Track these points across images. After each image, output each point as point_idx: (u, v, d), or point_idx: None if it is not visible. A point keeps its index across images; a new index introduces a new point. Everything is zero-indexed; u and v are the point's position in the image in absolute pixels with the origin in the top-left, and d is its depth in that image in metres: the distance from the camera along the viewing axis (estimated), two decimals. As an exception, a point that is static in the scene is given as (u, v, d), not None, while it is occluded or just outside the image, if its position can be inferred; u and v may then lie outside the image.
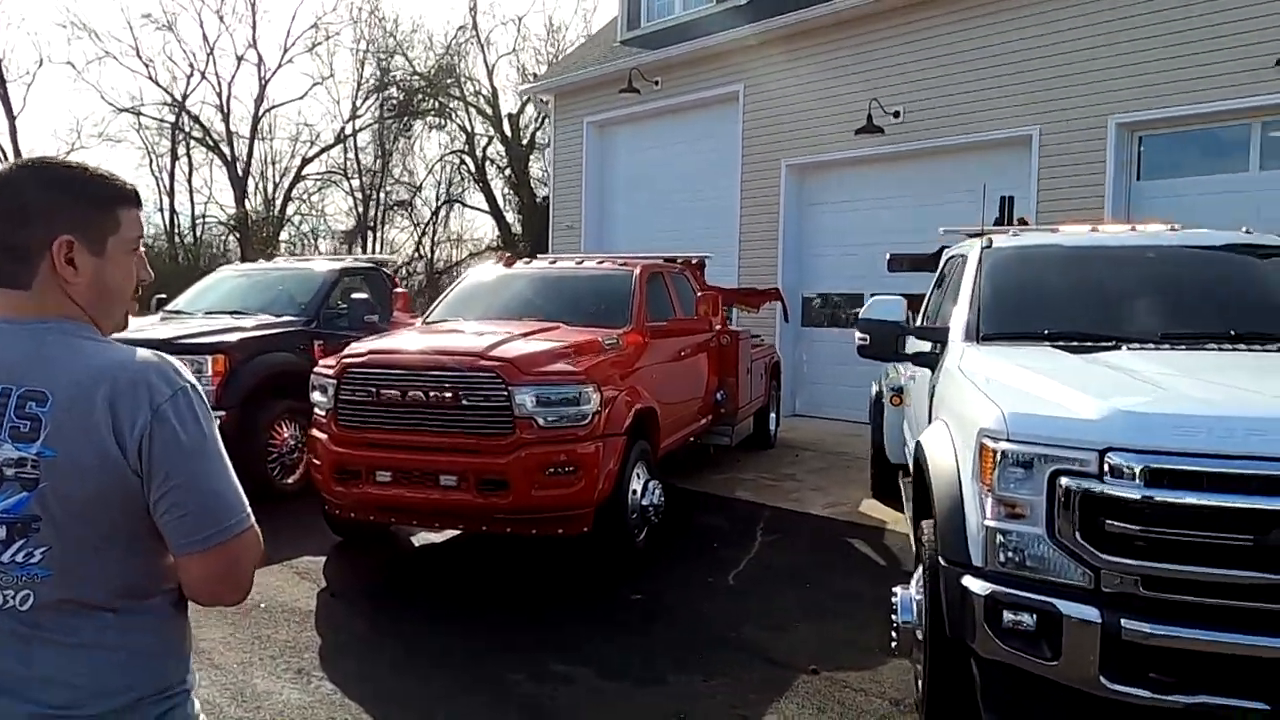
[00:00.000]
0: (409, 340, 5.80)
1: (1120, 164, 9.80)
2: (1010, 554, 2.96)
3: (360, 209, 31.65)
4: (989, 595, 2.93)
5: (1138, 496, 2.73)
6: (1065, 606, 2.80)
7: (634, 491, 5.71)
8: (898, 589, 3.73)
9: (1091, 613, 2.76)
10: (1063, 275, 4.34)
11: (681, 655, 4.33)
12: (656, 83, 14.12)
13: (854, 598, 5.16)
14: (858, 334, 4.55)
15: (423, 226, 32.49)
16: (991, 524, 3.00)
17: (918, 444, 3.75)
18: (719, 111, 13.52)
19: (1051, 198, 10.15)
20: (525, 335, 5.77)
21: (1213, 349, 3.66)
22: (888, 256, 8.70)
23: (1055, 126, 10.13)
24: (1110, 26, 9.62)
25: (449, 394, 5.20)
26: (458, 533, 6.16)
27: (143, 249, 1.53)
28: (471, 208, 32.87)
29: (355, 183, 31.67)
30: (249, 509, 1.44)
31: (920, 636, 3.47)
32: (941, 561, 3.17)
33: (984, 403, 3.21)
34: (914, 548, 4.15)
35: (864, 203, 12.07)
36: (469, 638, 4.56)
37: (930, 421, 4.13)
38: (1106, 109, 9.75)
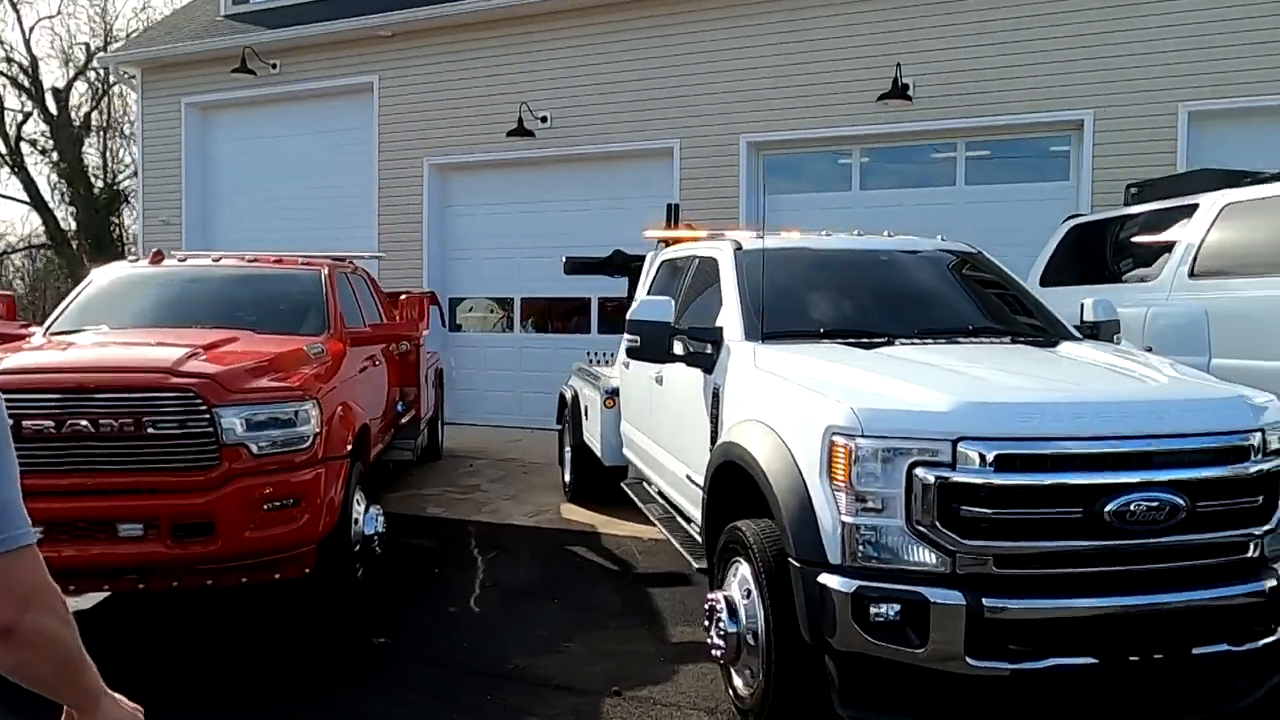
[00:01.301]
0: (55, 356, 4.54)
1: (751, 179, 10.77)
2: (869, 548, 3.00)
3: None
4: (855, 591, 2.94)
5: (989, 481, 2.90)
6: (931, 593, 2.88)
7: (355, 520, 5.03)
8: (715, 595, 3.63)
9: (955, 596, 2.87)
10: (815, 276, 4.58)
11: (465, 700, 3.85)
12: (275, 66, 12.83)
13: (608, 608, 5.01)
14: (627, 336, 4.40)
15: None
16: (849, 520, 3.01)
17: (730, 447, 3.69)
18: (351, 103, 12.63)
19: (692, 208, 10.79)
20: (212, 346, 4.80)
21: (966, 343, 4.07)
22: (564, 260, 8.69)
23: (694, 141, 10.87)
24: (742, 52, 10.54)
25: (129, 421, 4.14)
26: (104, 595, 4.90)
27: None
28: (5, 197, 27.39)
29: None
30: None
31: (754, 641, 3.40)
32: (795, 562, 3.13)
33: (821, 401, 3.22)
34: (708, 553, 4.10)
35: (513, 206, 11.98)
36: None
37: (716, 422, 4.11)
38: (737, 128, 10.66)
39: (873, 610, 2.93)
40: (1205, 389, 3.35)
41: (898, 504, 2.96)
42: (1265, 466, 3.10)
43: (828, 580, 3.01)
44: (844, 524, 3.02)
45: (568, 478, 7.68)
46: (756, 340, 4.04)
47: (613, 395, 6.35)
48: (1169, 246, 6.37)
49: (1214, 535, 3.03)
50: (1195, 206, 6.33)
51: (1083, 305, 4.69)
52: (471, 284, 12.19)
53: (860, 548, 3.01)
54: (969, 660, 2.87)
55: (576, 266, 8.77)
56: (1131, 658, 2.91)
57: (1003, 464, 2.91)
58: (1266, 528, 3.12)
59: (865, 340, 3.98)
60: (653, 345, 4.33)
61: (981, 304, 4.60)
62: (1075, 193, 9.57)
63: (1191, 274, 6.13)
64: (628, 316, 4.42)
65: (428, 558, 6.02)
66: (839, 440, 3.04)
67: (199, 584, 4.40)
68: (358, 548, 5.03)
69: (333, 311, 5.85)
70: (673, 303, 4.40)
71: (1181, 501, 2.95)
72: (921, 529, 2.94)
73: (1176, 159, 8.92)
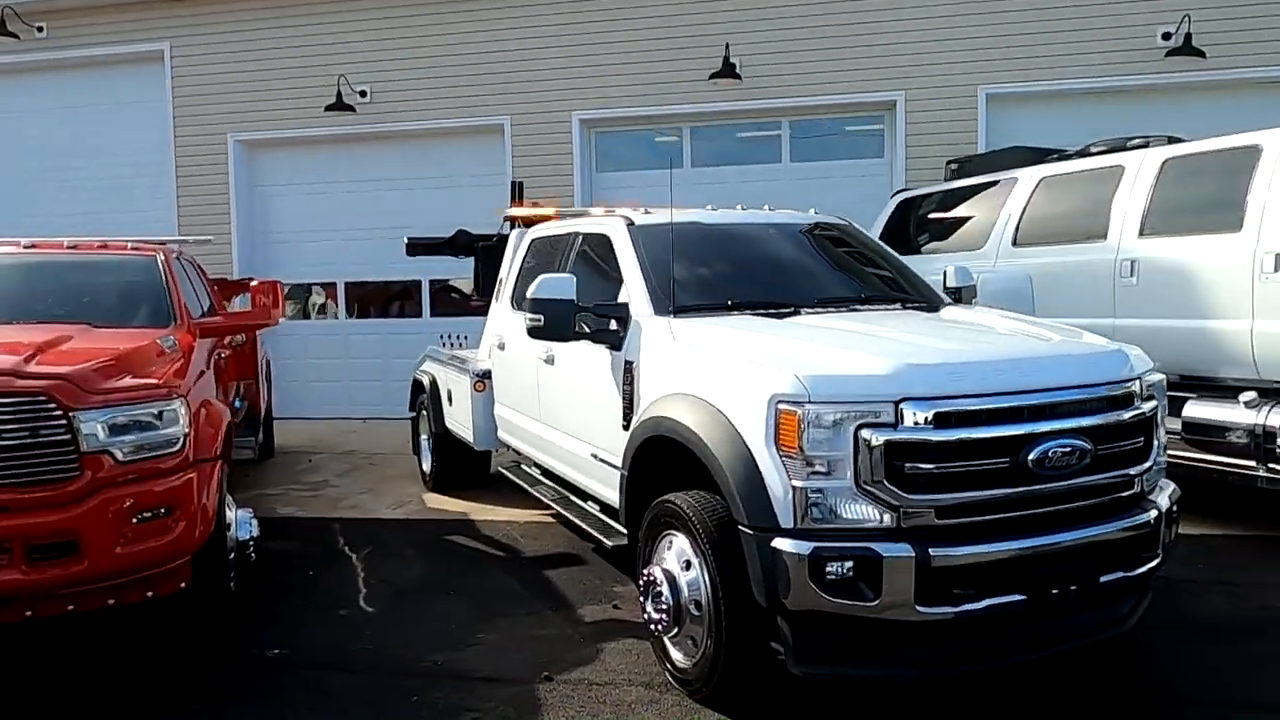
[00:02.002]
0: None
1: (585, 157, 10.76)
2: (820, 510, 3.11)
3: None
4: (812, 552, 3.04)
5: (929, 438, 3.07)
6: (882, 548, 3.03)
7: (229, 526, 4.63)
8: (651, 569, 3.65)
9: (904, 549, 3.03)
10: (710, 251, 4.63)
11: (392, 703, 3.66)
12: (40, 29, 11.46)
13: (508, 595, 4.90)
14: (528, 315, 4.29)
15: None
16: (800, 484, 3.11)
17: (659, 421, 3.69)
18: (139, 73, 11.51)
19: (527, 185, 10.68)
20: (51, 344, 4.26)
21: (864, 310, 4.28)
22: (405, 240, 8.36)
23: (525, 118, 10.70)
24: (574, 28, 10.45)
25: (-33, 433, 3.61)
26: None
27: None
28: None
29: None
30: None
31: (698, 610, 3.44)
32: (747, 529, 3.19)
33: (763, 370, 3.29)
34: (629, 529, 4.10)
35: (334, 186, 11.35)
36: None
37: (631, 398, 4.10)
38: (570, 105, 10.60)
39: (828, 569, 3.04)
40: (1092, 344, 3.69)
41: (846, 466, 3.08)
42: (1144, 410, 3.47)
43: (782, 544, 3.09)
44: (795, 488, 3.11)
45: (427, 466, 7.42)
46: (668, 315, 4.06)
47: (483, 378, 6.19)
48: (994, 217, 6.94)
49: (1111, 475, 3.36)
50: (1015, 180, 6.94)
51: (945, 272, 5.03)
52: (290, 269, 11.43)
53: (811, 510, 3.11)
54: (918, 608, 3.04)
55: (419, 247, 8.45)
56: (1054, 591, 3.19)
57: (940, 421, 3.09)
58: (1145, 465, 3.50)
59: (773, 311, 4.10)
60: (557, 324, 4.25)
61: (865, 273, 4.84)
62: (890, 169, 10.23)
63: (1015, 242, 6.73)
64: (529, 295, 4.30)
65: (297, 561, 5.64)
66: (786, 408, 3.12)
67: (59, 611, 3.93)
68: (232, 555, 4.64)
69: (177, 301, 5.33)
70: (574, 280, 4.33)
71: (1088, 446, 3.25)
72: (869, 488, 3.07)
73: (978, 138, 9.72)
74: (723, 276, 4.47)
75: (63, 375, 3.83)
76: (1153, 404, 3.52)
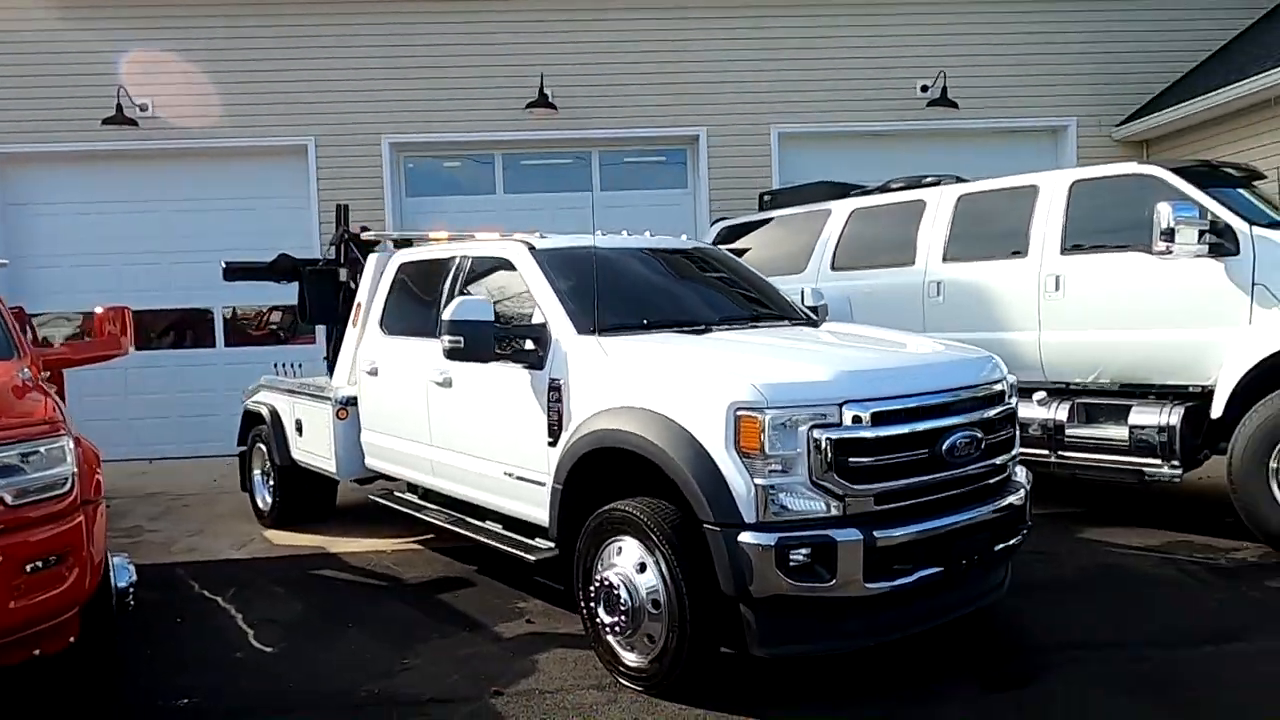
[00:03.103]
0: None
1: (394, 180, 10.61)
2: (779, 505, 3.46)
3: None
4: (777, 542, 3.38)
5: (868, 435, 3.52)
6: (836, 534, 3.43)
7: (110, 572, 4.26)
8: (605, 574, 3.82)
9: (854, 533, 3.44)
10: (607, 274, 4.84)
11: (345, 735, 3.58)
12: None
13: (411, 622, 4.83)
14: (448, 337, 4.33)
15: None
16: (761, 482, 3.44)
17: (604, 434, 3.87)
18: None
19: (332, 210, 10.35)
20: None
21: (763, 327, 4.69)
22: (224, 264, 7.92)
23: (331, 140, 10.41)
24: (380, 52, 10.30)
25: None
26: None
27: None
28: None
29: None
30: None
31: (656, 609, 3.66)
32: (712, 526, 3.47)
33: (712, 382, 3.61)
34: (562, 540, 4.22)
35: (113, 206, 10.39)
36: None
37: (560, 415, 4.25)
38: (378, 128, 10.43)
39: (791, 556, 3.39)
40: (969, 352, 4.32)
41: (800, 463, 3.46)
42: (1011, 405, 4.14)
43: (748, 537, 3.41)
44: (757, 486, 3.44)
45: (265, 502, 7.05)
46: (593, 334, 4.27)
47: (346, 406, 6.03)
48: (812, 244, 7.71)
49: (993, 461, 3.97)
50: (829, 211, 7.75)
51: (802, 292, 5.58)
52: (58, 297, 10.32)
53: (771, 505, 3.45)
54: (866, 584, 3.46)
55: (238, 272, 8.02)
56: (963, 561, 3.73)
57: (876, 420, 3.54)
58: (1012, 453, 4.17)
59: (688, 328, 4.42)
60: (477, 345, 4.33)
61: (748, 293, 5.28)
62: (694, 198, 10.95)
63: (833, 266, 7.52)
64: (445, 318, 4.35)
65: (154, 609, 5.21)
66: (746, 414, 3.45)
67: (-68, 679, 3.48)
68: (115, 605, 4.27)
69: (13, 331, 4.81)
70: (491, 303, 4.43)
71: (980, 436, 3.84)
72: (820, 481, 3.46)
73: (771, 172, 10.64)
74: (628, 297, 4.71)
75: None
76: (1014, 401, 4.20)
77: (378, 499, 5.95)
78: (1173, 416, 5.59)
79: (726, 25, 10.55)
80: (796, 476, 3.46)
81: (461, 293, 5.12)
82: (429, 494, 5.66)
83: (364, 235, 6.90)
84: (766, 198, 8.92)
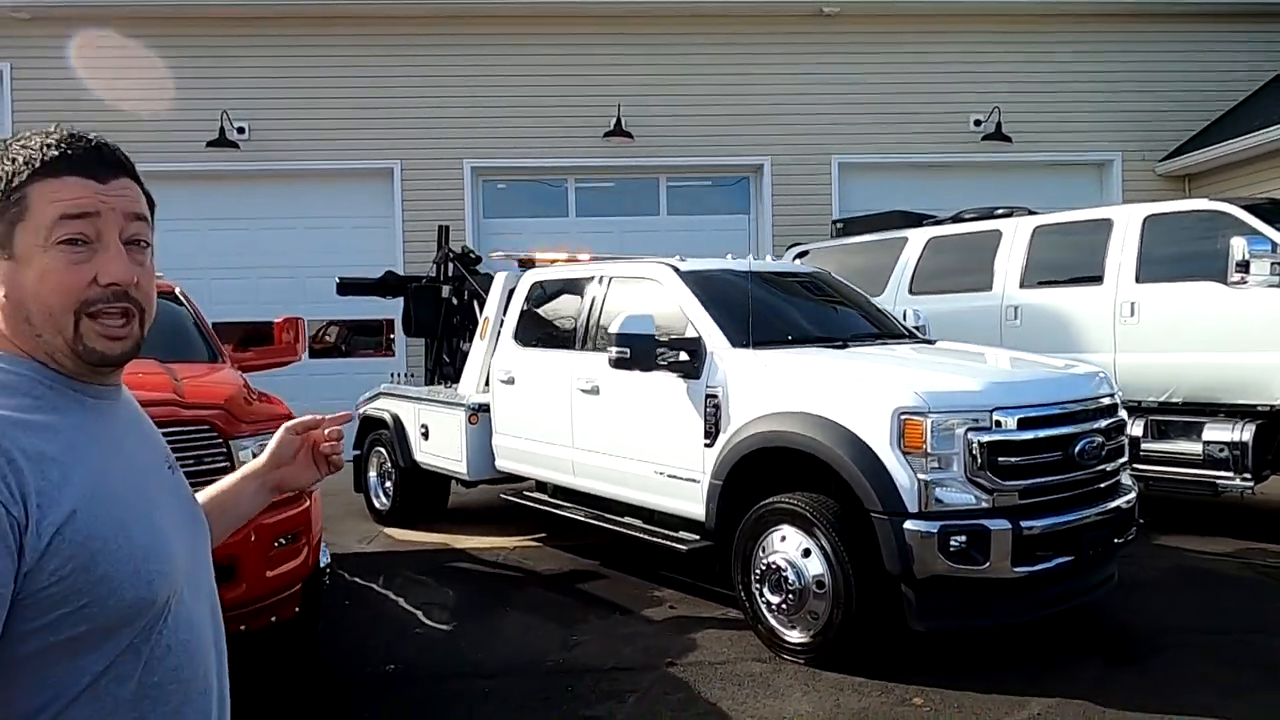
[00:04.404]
0: None
1: (474, 202, 11.17)
2: (938, 497, 3.97)
3: None
4: (941, 529, 3.89)
5: (1016, 438, 4.04)
6: (989, 524, 3.93)
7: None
8: (773, 558, 4.32)
9: (1004, 523, 3.95)
10: (746, 294, 5.38)
11: (559, 694, 4.06)
12: None
13: (563, 607, 5.30)
14: (615, 349, 4.85)
15: None
16: (924, 477, 3.96)
17: (770, 435, 4.39)
18: (-26, 94, 10.56)
19: (415, 229, 10.92)
20: (183, 375, 4.33)
21: (891, 344, 5.22)
22: (337, 280, 8.50)
23: (415, 163, 10.97)
24: (464, 80, 10.90)
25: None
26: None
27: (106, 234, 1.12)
28: None
29: None
30: None
31: (820, 588, 4.16)
32: (880, 515, 3.98)
33: (879, 391, 4.13)
34: (720, 531, 4.72)
35: (199, 223, 10.92)
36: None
37: (716, 419, 4.77)
38: (460, 152, 11.00)
39: (950, 542, 3.90)
40: (1082, 368, 4.85)
41: (956, 461, 3.97)
42: (1122, 416, 4.66)
43: (913, 525, 3.92)
44: (919, 481, 3.95)
45: (382, 502, 7.55)
46: (747, 348, 4.79)
47: (477, 412, 6.54)
48: (890, 269, 8.24)
49: (1112, 464, 4.49)
50: (906, 240, 8.29)
51: (905, 313, 6.11)
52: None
53: (931, 497, 3.96)
54: (1013, 568, 3.96)
55: (349, 288, 8.58)
56: (1090, 552, 4.23)
57: (1022, 424, 4.06)
58: (1124, 458, 4.68)
59: (827, 344, 4.95)
60: (641, 355, 4.85)
61: (865, 313, 5.81)
62: (756, 223, 11.50)
63: (910, 290, 8.04)
64: (613, 331, 4.87)
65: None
66: (910, 417, 3.97)
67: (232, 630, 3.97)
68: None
69: (212, 337, 5.34)
70: (654, 318, 4.96)
71: (1102, 441, 4.35)
72: (974, 477, 3.98)
73: (832, 199, 11.20)
74: (769, 316, 5.24)
75: (219, 405, 3.95)
76: (1124, 413, 4.72)
77: (511, 498, 6.45)
78: (1245, 433, 6.10)
79: (791, 60, 11.14)
80: (953, 473, 3.98)
81: (603, 310, 5.66)
82: (558, 493, 6.16)
83: (511, 257, 7.18)
84: (839, 225, 9.46)
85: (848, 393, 4.26)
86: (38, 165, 1.09)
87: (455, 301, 8.35)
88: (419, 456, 7.12)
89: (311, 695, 4.19)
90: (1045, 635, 4.56)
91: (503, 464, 6.47)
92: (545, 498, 6.25)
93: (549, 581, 5.88)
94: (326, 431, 1.57)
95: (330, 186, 11.04)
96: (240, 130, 10.63)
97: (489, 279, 7.91)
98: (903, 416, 3.99)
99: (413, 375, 8.77)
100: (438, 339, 8.47)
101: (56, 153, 1.10)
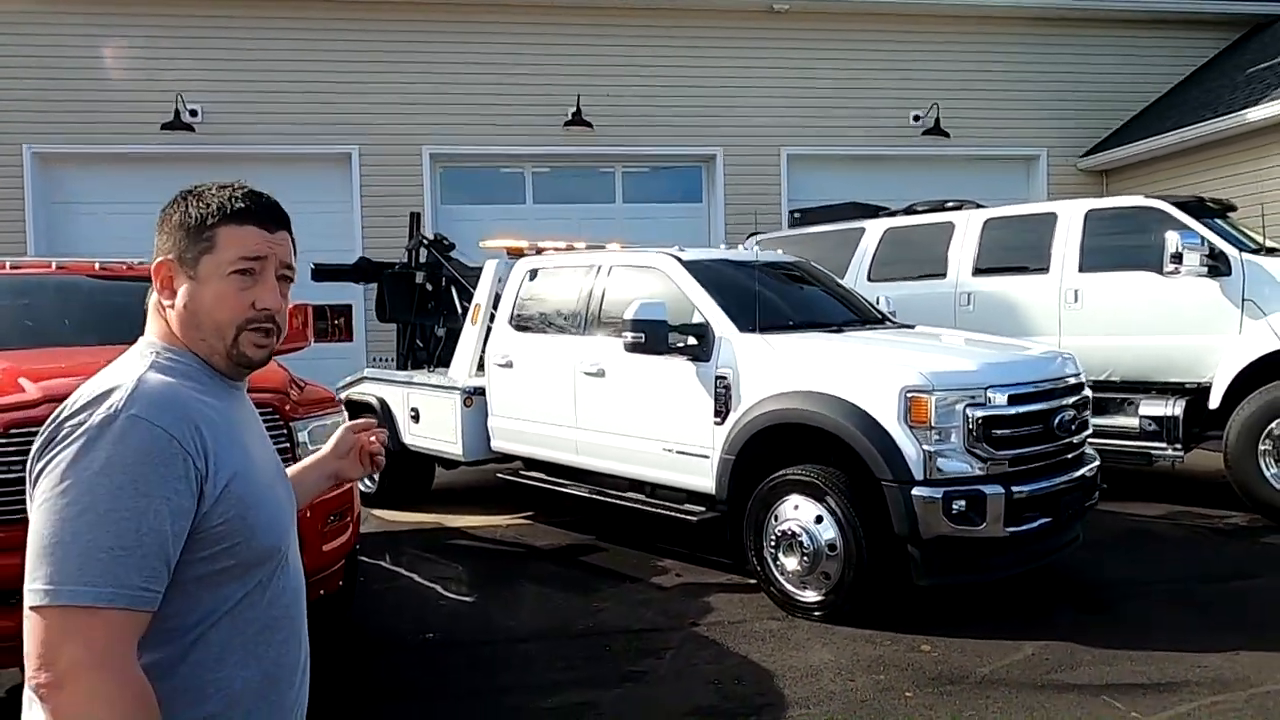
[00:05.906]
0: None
1: (433, 189, 11.28)
2: (940, 466, 4.43)
3: None
4: (944, 494, 4.35)
5: (1007, 412, 4.52)
6: (985, 489, 4.41)
7: (349, 531, 4.98)
8: (787, 525, 4.72)
9: (998, 488, 4.43)
10: (745, 281, 5.74)
11: (597, 654, 4.38)
12: None
13: (572, 579, 5.62)
14: (630, 334, 5.17)
15: None
16: (929, 449, 4.41)
17: (783, 413, 4.78)
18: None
19: (374, 215, 10.98)
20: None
21: (879, 329, 5.67)
22: (313, 265, 8.53)
23: (373, 148, 11.01)
24: (427, 64, 10.97)
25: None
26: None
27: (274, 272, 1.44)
28: None
29: None
30: (81, 585, 1.16)
31: (833, 550, 4.58)
32: (890, 483, 4.42)
33: (885, 370, 4.56)
34: (732, 502, 5.10)
35: (152, 206, 10.73)
36: None
37: (726, 400, 5.14)
38: (419, 139, 11.09)
39: (952, 505, 4.36)
40: (1052, 350, 5.38)
41: (956, 433, 4.44)
42: (1087, 393, 5.21)
43: (920, 491, 4.37)
44: (925, 452, 4.41)
45: (368, 485, 7.69)
46: (754, 332, 5.17)
47: (473, 395, 6.77)
48: (849, 258, 8.74)
49: (1081, 436, 5.03)
50: (863, 230, 8.80)
51: (877, 299, 6.59)
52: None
53: (935, 466, 4.42)
54: (1005, 528, 4.45)
55: (325, 273, 8.63)
56: (1067, 513, 4.76)
57: (1011, 400, 4.55)
58: (1089, 431, 5.23)
59: (824, 329, 5.37)
60: (655, 340, 5.18)
61: (850, 301, 6.25)
62: (708, 212, 11.91)
63: (869, 278, 8.56)
64: (628, 317, 5.19)
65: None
66: (915, 395, 4.42)
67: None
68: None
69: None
70: (665, 305, 5.28)
71: (1075, 414, 4.88)
72: (972, 448, 4.45)
73: (781, 190, 11.69)
74: (770, 302, 5.62)
75: (279, 389, 4.13)
76: (1088, 390, 5.27)
77: (508, 477, 6.70)
78: (1176, 408, 6.78)
79: (743, 55, 11.56)
80: (953, 444, 4.44)
81: (606, 297, 5.96)
82: (554, 471, 6.45)
83: (503, 246, 7.30)
84: (798, 215, 9.92)
85: (856, 373, 4.68)
86: (228, 212, 1.41)
87: (430, 287, 8.49)
88: (408, 439, 7.30)
89: (360, 661, 4.41)
90: (1026, 590, 5.09)
91: (499, 445, 6.72)
92: (545, 476, 6.52)
93: (551, 556, 6.18)
94: (374, 436, 1.89)
95: (287, 171, 10.97)
96: (194, 113, 10.49)
97: (463, 265, 8.12)
98: (909, 394, 4.43)
99: (388, 360, 8.89)
100: (411, 324, 8.62)
101: (242, 205, 1.42)
